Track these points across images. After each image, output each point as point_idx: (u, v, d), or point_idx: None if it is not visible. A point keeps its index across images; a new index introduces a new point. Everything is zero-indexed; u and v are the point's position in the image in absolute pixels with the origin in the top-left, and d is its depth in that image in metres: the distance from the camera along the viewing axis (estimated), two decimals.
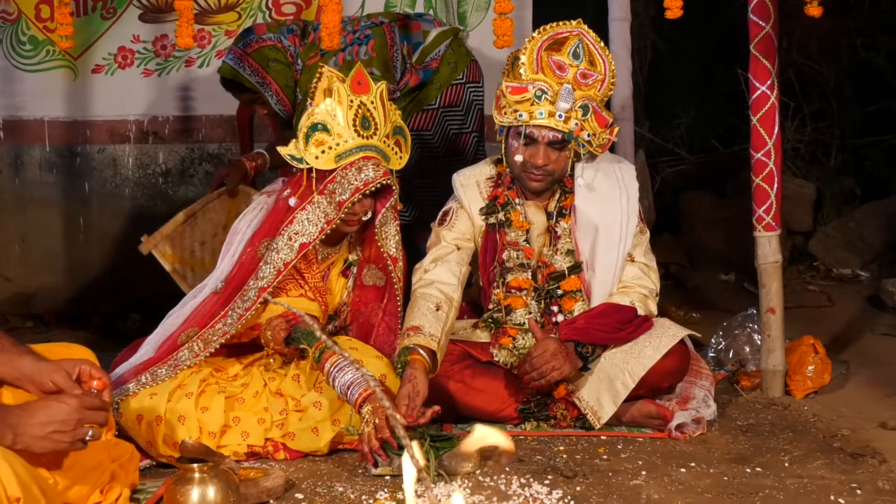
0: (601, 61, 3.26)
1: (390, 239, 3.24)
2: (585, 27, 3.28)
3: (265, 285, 3.10)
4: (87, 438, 2.21)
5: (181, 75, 4.87)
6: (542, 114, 3.19)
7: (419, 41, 3.97)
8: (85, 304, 4.94)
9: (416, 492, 2.67)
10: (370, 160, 3.11)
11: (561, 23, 3.28)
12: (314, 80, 3.16)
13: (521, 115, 3.21)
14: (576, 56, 3.23)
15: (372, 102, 3.13)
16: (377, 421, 2.83)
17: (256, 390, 3.12)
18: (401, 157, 3.26)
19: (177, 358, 3.10)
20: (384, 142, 3.17)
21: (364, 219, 3.19)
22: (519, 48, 3.27)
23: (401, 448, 2.73)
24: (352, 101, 3.10)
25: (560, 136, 3.20)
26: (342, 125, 3.09)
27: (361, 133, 3.11)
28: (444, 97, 3.97)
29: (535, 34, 3.26)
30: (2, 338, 2.35)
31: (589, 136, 3.23)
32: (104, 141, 4.95)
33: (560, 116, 3.18)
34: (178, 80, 4.88)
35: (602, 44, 3.29)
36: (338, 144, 3.10)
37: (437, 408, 2.95)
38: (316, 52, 3.89)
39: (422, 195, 3.95)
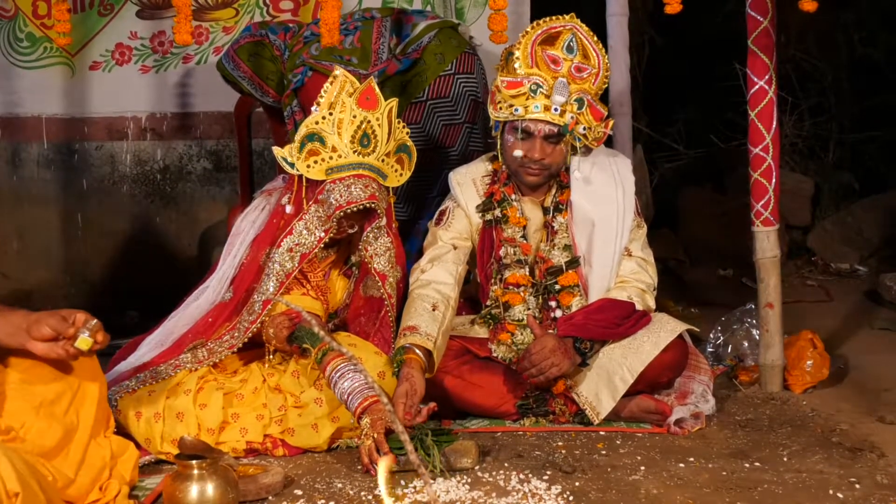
0: (595, 55, 3.26)
1: (381, 255, 3.16)
2: (578, 21, 3.28)
3: (269, 298, 3.12)
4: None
5: (179, 72, 4.86)
6: (537, 108, 3.19)
7: (407, 33, 3.98)
8: (82, 301, 4.93)
9: (415, 487, 2.68)
10: (361, 179, 3.08)
11: (554, 17, 3.28)
12: (326, 83, 3.14)
13: (516, 110, 3.21)
14: (570, 50, 3.23)
15: (377, 119, 3.09)
16: (376, 435, 2.82)
17: (255, 386, 3.12)
18: (400, 175, 3.23)
19: (178, 359, 3.13)
20: (383, 160, 3.14)
21: (351, 231, 3.18)
22: (513, 43, 3.27)
23: (402, 448, 2.73)
24: (355, 117, 3.07)
25: (556, 129, 3.20)
26: (339, 140, 3.07)
27: (359, 150, 3.08)
28: (431, 89, 3.96)
29: (528, 29, 3.27)
30: None
31: (584, 129, 3.23)
32: (102, 138, 4.94)
33: (556, 110, 3.18)
34: (175, 76, 4.87)
35: (595, 38, 3.29)
36: (331, 158, 3.08)
37: (433, 405, 2.99)
38: (300, 39, 3.94)
39: (416, 189, 3.95)
